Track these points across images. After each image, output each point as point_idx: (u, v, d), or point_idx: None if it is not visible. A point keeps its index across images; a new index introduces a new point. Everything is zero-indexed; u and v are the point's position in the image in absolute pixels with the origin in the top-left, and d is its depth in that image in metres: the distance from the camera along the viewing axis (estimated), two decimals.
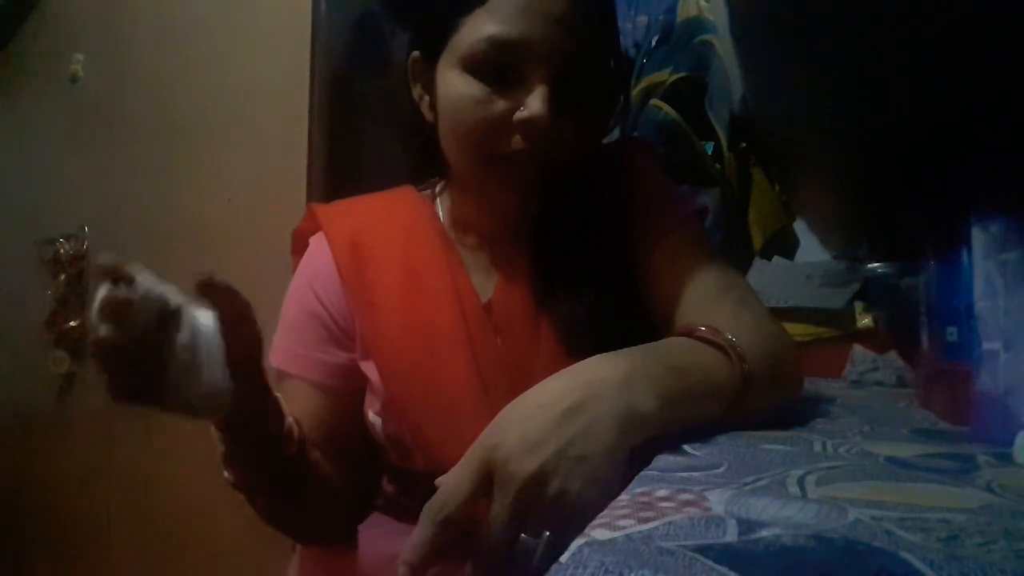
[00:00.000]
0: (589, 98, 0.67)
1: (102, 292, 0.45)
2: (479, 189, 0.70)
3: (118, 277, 0.45)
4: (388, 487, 0.75)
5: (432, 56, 0.69)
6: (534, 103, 0.62)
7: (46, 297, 1.35)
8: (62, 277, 1.34)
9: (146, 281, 0.46)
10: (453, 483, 0.47)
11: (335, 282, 0.73)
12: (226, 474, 0.62)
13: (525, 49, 0.63)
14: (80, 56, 1.36)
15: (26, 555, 1.35)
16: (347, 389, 0.73)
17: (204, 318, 0.50)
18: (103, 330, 0.44)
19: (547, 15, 0.63)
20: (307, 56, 1.17)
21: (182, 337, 0.48)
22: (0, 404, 1.40)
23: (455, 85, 0.66)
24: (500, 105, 0.64)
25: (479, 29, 0.64)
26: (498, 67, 0.64)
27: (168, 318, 0.47)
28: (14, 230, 1.41)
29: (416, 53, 0.73)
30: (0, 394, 1.40)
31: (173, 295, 0.48)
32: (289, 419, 0.62)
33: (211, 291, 0.49)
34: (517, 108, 0.64)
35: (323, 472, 0.70)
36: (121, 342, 0.45)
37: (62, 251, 1.34)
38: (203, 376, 0.49)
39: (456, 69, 0.66)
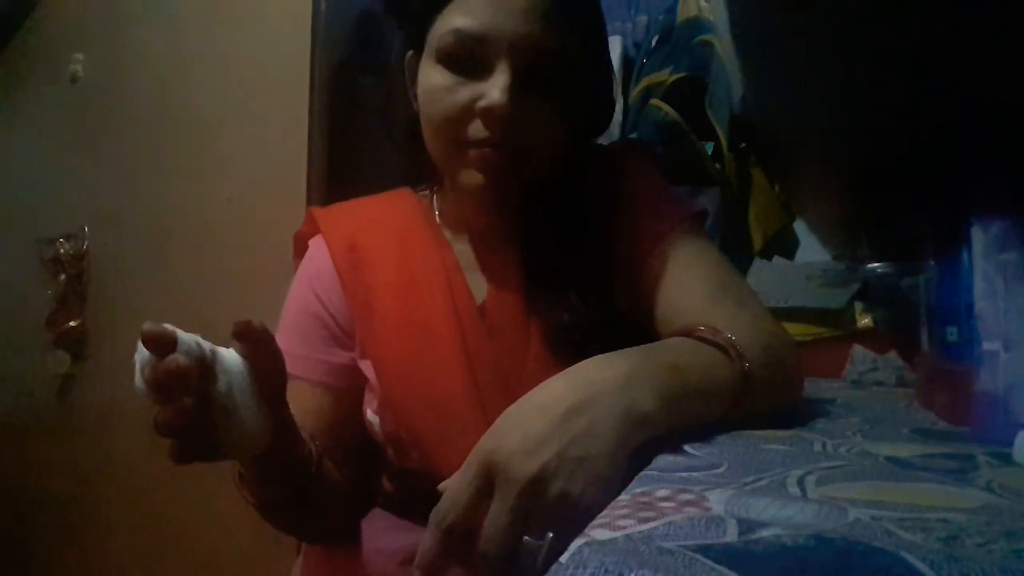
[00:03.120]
0: (556, 90, 0.68)
1: (144, 361, 0.45)
2: (450, 177, 0.72)
3: (163, 344, 0.45)
4: (387, 485, 0.75)
5: (418, 52, 0.72)
6: (493, 91, 0.64)
7: (46, 297, 1.35)
8: (62, 277, 1.34)
9: (184, 338, 0.46)
10: (455, 489, 0.47)
11: (335, 283, 0.74)
12: (247, 495, 0.63)
13: (488, 40, 0.65)
14: (80, 56, 1.37)
15: (26, 555, 1.35)
16: (349, 388, 0.74)
17: (231, 361, 0.50)
18: (165, 412, 0.46)
19: (512, 7, 0.65)
20: (307, 56, 1.17)
21: (220, 386, 0.49)
22: (0, 404, 1.40)
23: (428, 76, 0.68)
24: (465, 93, 0.66)
25: (448, 22, 0.66)
26: (463, 58, 0.66)
27: (207, 371, 0.48)
28: (14, 230, 1.42)
29: (411, 52, 0.74)
30: (0, 394, 1.40)
31: (205, 346, 0.48)
32: (307, 440, 0.63)
33: (248, 337, 0.50)
34: (480, 96, 0.65)
35: (334, 478, 0.70)
36: (186, 415, 0.46)
37: (62, 251, 1.35)
38: (245, 419, 0.50)
39: (431, 60, 0.68)
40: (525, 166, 0.68)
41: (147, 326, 0.45)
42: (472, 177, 0.68)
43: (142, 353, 0.45)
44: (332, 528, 0.75)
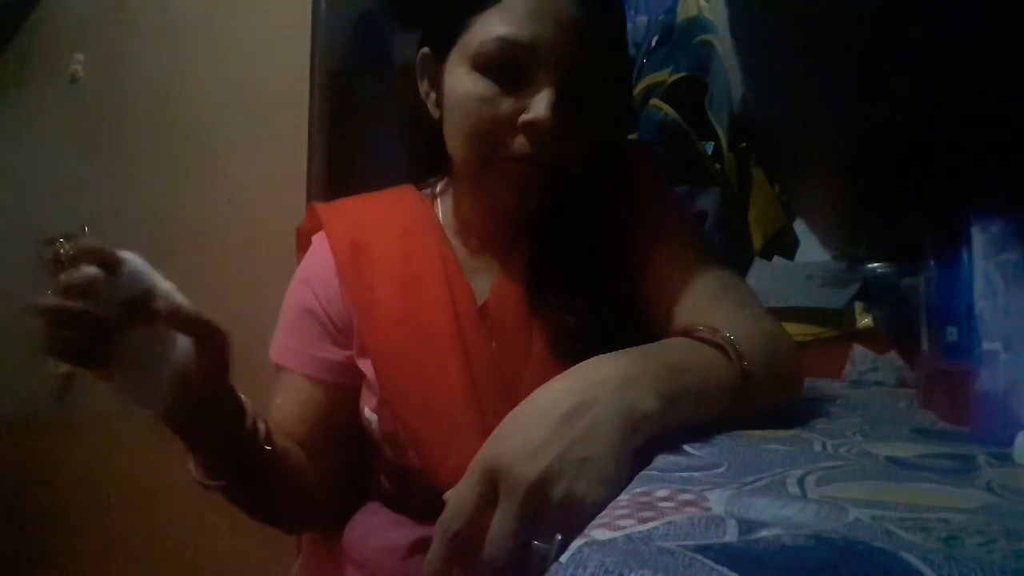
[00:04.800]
0: (594, 106, 0.67)
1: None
2: (478, 187, 0.71)
3: (105, 262, 0.48)
4: (384, 482, 0.75)
5: (441, 53, 0.70)
6: (539, 106, 0.63)
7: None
8: (62, 277, 1.34)
9: (137, 267, 0.50)
10: (460, 496, 0.46)
11: (332, 280, 0.74)
12: (201, 479, 0.63)
13: (534, 52, 0.63)
14: (80, 56, 1.37)
15: (26, 555, 1.35)
16: (343, 385, 0.74)
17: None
18: (63, 298, 0.48)
19: (559, 20, 0.63)
20: (307, 56, 1.17)
21: (143, 335, 0.50)
22: (0, 404, 1.40)
23: (463, 82, 0.66)
24: (506, 105, 0.64)
25: (490, 29, 0.64)
26: (506, 68, 0.64)
27: (139, 305, 0.50)
28: (14, 230, 1.41)
29: (426, 50, 0.73)
30: (0, 394, 1.40)
31: (159, 286, 0.51)
32: (251, 416, 0.62)
33: (183, 325, 0.52)
34: (522, 110, 0.64)
35: (296, 463, 0.70)
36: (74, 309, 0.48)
37: (62, 251, 1.34)
38: (144, 379, 0.52)
39: (464, 67, 0.66)
40: (557, 181, 0.68)
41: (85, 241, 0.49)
42: (505, 191, 0.68)
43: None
44: (299, 516, 0.75)
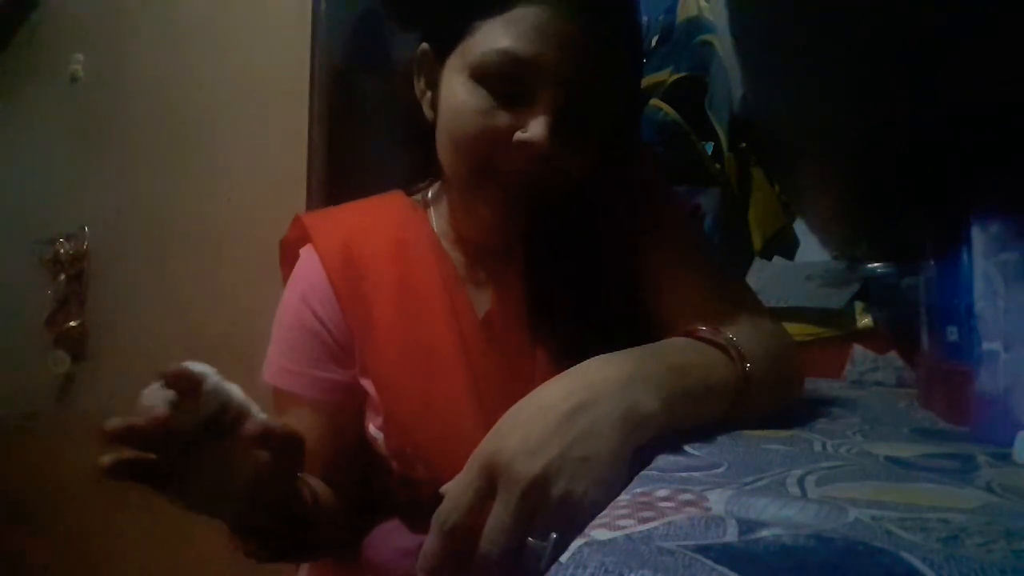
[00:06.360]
0: (593, 131, 0.65)
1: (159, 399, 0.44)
2: (466, 199, 0.69)
3: (185, 384, 0.44)
4: (394, 492, 0.74)
5: (442, 53, 0.67)
6: (536, 127, 0.61)
7: (46, 297, 1.35)
8: (62, 277, 1.34)
9: (214, 383, 0.46)
10: (457, 491, 0.46)
11: (330, 296, 0.71)
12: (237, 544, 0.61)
13: (537, 70, 0.61)
14: (80, 56, 1.37)
15: (26, 555, 1.35)
16: (345, 404, 0.71)
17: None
18: (161, 409, 0.43)
19: (567, 39, 0.61)
20: (307, 56, 1.17)
21: (214, 449, 0.47)
22: (0, 404, 1.40)
23: (459, 91, 0.64)
24: (502, 120, 0.62)
25: (494, 39, 0.61)
26: (507, 82, 0.62)
27: (214, 423, 0.47)
28: (14, 230, 1.42)
29: (426, 46, 0.71)
30: (0, 394, 1.40)
31: (235, 400, 0.47)
32: (305, 491, 0.60)
33: (275, 442, 0.48)
34: (519, 127, 0.62)
35: (330, 506, 0.68)
36: (174, 426, 0.44)
37: (62, 251, 1.35)
38: (214, 490, 0.49)
39: (463, 74, 0.64)
40: (547, 199, 0.66)
41: (172, 366, 0.44)
42: (492, 204, 0.66)
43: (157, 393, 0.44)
44: (331, 548, 0.73)
